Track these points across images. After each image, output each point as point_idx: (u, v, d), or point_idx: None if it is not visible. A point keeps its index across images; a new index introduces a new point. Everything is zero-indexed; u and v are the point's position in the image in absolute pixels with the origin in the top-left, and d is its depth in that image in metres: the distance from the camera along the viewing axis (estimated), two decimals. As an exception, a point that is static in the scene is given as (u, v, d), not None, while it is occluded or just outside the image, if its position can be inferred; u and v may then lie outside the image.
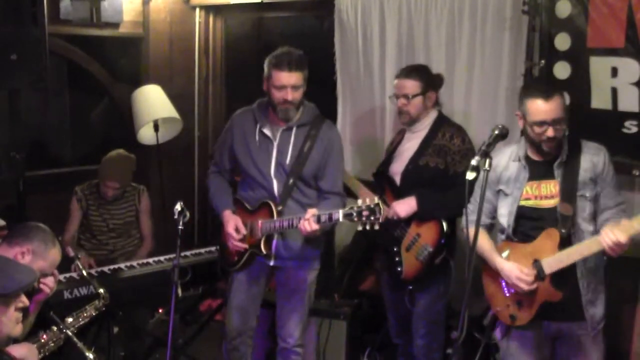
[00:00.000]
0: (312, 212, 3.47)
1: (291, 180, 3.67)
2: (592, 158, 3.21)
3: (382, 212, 3.31)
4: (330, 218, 3.43)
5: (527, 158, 3.29)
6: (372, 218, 3.31)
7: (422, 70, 3.96)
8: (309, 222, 3.45)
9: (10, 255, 2.98)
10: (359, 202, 3.36)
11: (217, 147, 4.01)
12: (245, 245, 3.73)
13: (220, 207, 3.82)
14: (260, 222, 3.68)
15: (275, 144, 3.70)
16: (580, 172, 3.19)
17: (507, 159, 3.34)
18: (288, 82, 3.55)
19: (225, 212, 3.78)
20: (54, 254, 3.13)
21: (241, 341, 3.97)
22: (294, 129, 3.69)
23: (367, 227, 3.34)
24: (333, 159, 3.72)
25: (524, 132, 3.27)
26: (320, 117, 3.77)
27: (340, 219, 3.40)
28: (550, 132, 3.14)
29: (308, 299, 3.90)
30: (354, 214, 3.34)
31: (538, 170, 3.26)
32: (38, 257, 3.05)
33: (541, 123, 3.15)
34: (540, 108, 3.14)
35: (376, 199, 3.33)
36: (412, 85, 3.88)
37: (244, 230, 3.71)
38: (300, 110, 3.70)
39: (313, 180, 3.71)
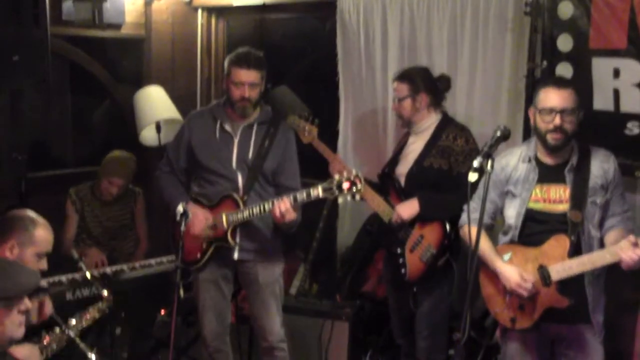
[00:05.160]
0: (286, 196, 3.52)
1: (253, 174, 3.73)
2: (603, 165, 3.20)
3: (362, 183, 3.31)
4: (308, 195, 3.44)
5: (537, 159, 3.27)
6: (354, 189, 3.32)
7: (414, 73, 3.96)
8: (283, 202, 3.47)
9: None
10: (337, 176, 3.36)
11: (170, 147, 4.00)
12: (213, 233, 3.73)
13: (177, 201, 3.63)
14: (224, 214, 3.70)
15: (236, 140, 3.78)
16: (591, 178, 3.18)
17: (517, 159, 3.32)
18: (246, 79, 3.66)
19: (182, 205, 3.55)
20: (41, 233, 3.00)
21: (221, 342, 3.98)
22: (255, 126, 3.78)
23: (349, 199, 3.34)
24: (291, 156, 3.83)
25: (534, 129, 3.26)
26: (277, 117, 3.87)
27: (320, 195, 3.40)
28: (557, 120, 3.12)
29: (280, 293, 3.91)
30: (334, 188, 3.34)
31: (549, 173, 3.23)
32: (26, 246, 2.95)
33: (550, 110, 3.14)
34: (551, 95, 3.14)
35: (354, 171, 3.34)
36: (400, 88, 3.94)
37: (211, 220, 3.71)
38: (258, 110, 3.80)
39: (271, 177, 3.79)
